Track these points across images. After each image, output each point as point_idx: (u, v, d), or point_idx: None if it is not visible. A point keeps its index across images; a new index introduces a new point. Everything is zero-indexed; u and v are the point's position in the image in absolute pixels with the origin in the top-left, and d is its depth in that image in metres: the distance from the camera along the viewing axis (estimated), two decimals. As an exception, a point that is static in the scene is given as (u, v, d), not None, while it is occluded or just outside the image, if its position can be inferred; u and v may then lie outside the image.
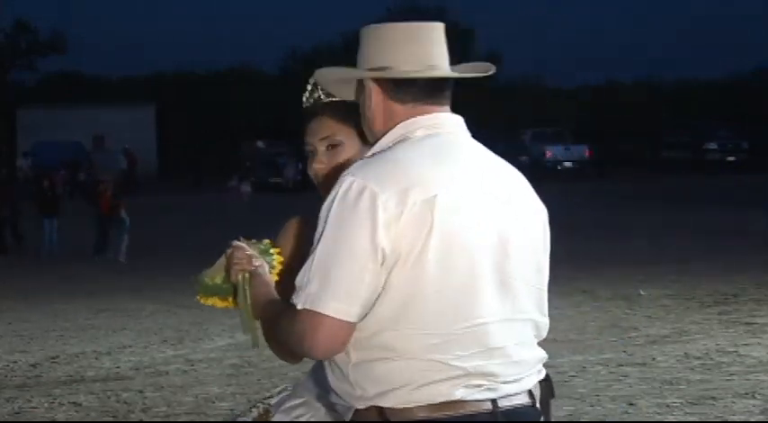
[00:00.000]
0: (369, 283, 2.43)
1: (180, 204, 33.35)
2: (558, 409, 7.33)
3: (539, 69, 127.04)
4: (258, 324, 2.87)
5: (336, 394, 2.59)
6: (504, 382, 2.52)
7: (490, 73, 2.71)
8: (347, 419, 2.59)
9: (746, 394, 7.55)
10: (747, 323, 10.42)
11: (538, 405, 2.65)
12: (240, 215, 28.54)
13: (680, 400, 7.44)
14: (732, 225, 21.23)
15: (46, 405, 8.06)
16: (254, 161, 42.22)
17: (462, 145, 2.62)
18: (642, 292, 12.51)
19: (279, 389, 3.28)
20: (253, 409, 3.24)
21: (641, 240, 19.01)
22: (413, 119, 2.59)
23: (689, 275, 14.08)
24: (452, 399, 2.46)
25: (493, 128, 46.61)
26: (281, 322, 2.58)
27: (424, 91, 2.61)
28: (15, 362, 9.90)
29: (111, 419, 7.61)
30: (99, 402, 8.08)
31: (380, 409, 2.49)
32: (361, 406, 2.53)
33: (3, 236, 21.66)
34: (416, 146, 2.55)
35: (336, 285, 2.43)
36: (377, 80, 2.61)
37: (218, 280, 2.99)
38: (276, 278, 2.95)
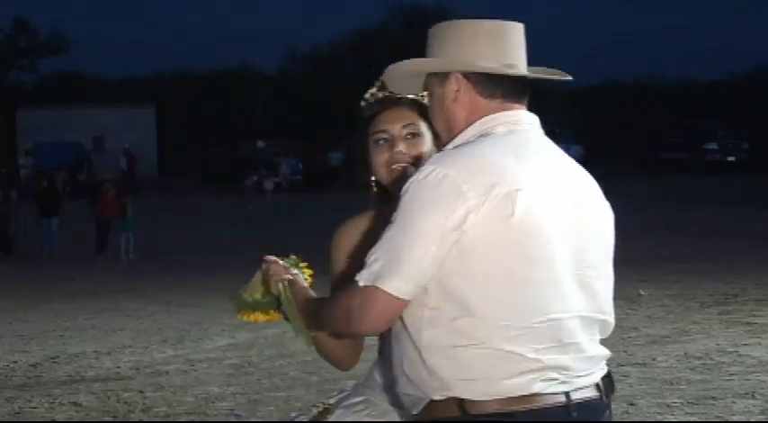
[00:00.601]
0: (431, 267, 2.46)
1: (180, 204, 33.34)
2: (559, 409, 7.33)
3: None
4: (306, 328, 2.94)
5: (408, 381, 2.58)
6: (577, 376, 2.56)
7: (567, 79, 2.77)
8: (415, 412, 2.60)
9: (747, 394, 7.55)
10: (748, 323, 10.43)
11: (605, 398, 2.67)
12: (243, 215, 28.56)
13: (680, 400, 7.44)
14: (732, 225, 21.23)
15: (46, 405, 8.06)
16: (253, 161, 42.20)
17: (540, 144, 2.66)
18: (642, 292, 12.51)
19: (338, 388, 3.28)
20: (312, 408, 3.23)
21: (641, 240, 19.01)
22: (494, 115, 2.64)
23: (689, 275, 14.08)
24: (530, 392, 2.49)
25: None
26: (327, 307, 2.63)
27: (512, 89, 2.66)
28: (15, 362, 9.90)
29: (111, 419, 7.61)
30: (99, 402, 8.08)
31: (460, 402, 2.50)
32: (437, 397, 2.52)
33: (6, 236, 21.65)
34: (498, 141, 2.59)
35: (401, 265, 2.46)
36: (466, 74, 2.64)
37: (258, 295, 3.04)
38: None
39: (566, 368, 2.53)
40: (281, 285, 2.96)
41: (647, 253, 17.07)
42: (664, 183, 35.98)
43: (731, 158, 43.45)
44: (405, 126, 3.00)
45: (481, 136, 2.61)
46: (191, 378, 8.87)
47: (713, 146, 43.73)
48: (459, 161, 2.51)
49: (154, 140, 54.36)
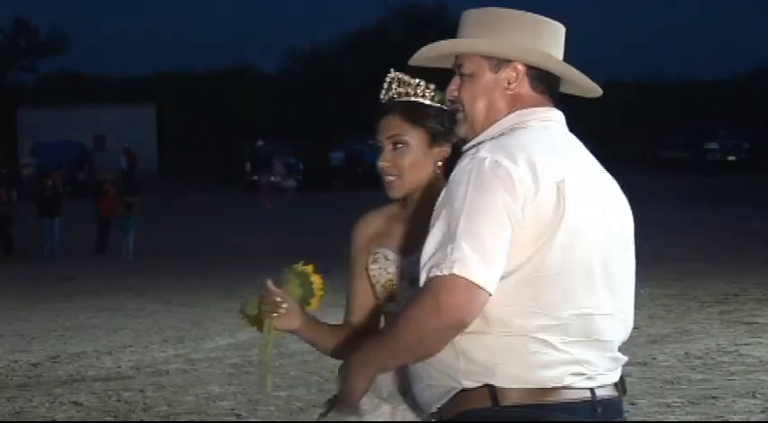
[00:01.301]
0: (506, 252, 2.44)
1: (180, 204, 33.34)
2: (559, 409, 7.33)
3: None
4: (270, 367, 2.99)
5: (434, 369, 2.53)
6: (601, 374, 2.57)
7: (596, 94, 2.78)
8: (438, 405, 2.55)
9: (747, 394, 7.56)
10: (748, 323, 10.43)
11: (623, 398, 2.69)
12: (247, 213, 28.55)
13: (681, 400, 7.44)
14: (733, 225, 21.24)
15: (47, 405, 8.06)
16: (254, 160, 42.16)
17: (569, 140, 2.67)
18: (643, 292, 12.51)
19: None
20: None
21: (641, 240, 18.99)
22: (531, 108, 2.63)
23: (690, 275, 14.08)
24: (562, 384, 2.49)
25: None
26: (402, 320, 2.48)
27: (554, 86, 2.68)
28: (16, 361, 9.91)
29: (111, 419, 7.62)
30: (100, 402, 8.08)
31: (493, 391, 2.47)
32: (470, 384, 2.49)
33: (7, 236, 21.65)
34: (536, 134, 2.58)
35: (483, 254, 2.41)
36: (529, 66, 2.63)
37: (257, 311, 3.05)
38: (316, 306, 3.05)
39: (592, 364, 2.54)
40: (266, 324, 2.98)
41: (647, 252, 17.04)
42: (665, 182, 35.97)
43: (732, 158, 43.44)
44: (390, 137, 3.04)
45: (516, 129, 2.60)
46: (191, 377, 8.87)
47: (714, 145, 43.71)
48: (507, 148, 2.50)
49: (155, 140, 54.35)
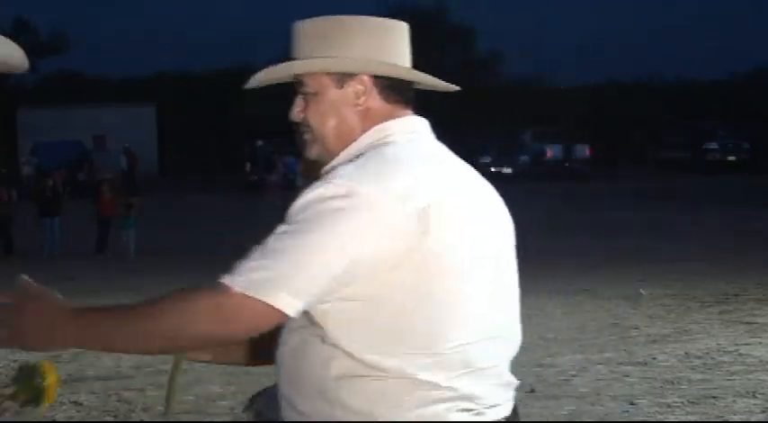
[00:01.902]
0: (328, 285, 2.23)
1: (180, 204, 33.34)
2: (559, 409, 7.33)
3: (539, 69, 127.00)
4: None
5: (298, 414, 2.35)
6: (491, 407, 2.40)
7: (453, 89, 2.58)
8: None
9: (747, 394, 7.56)
10: (748, 323, 10.43)
11: None
12: (247, 213, 28.54)
13: (681, 400, 7.44)
14: (732, 225, 21.23)
15: (47, 404, 8.04)
16: (253, 160, 42.19)
17: (441, 151, 2.45)
18: (643, 292, 12.51)
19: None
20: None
21: (642, 240, 19.01)
22: (390, 122, 2.42)
23: (689, 275, 14.08)
24: (447, 420, 2.31)
25: (493, 127, 46.64)
26: (177, 301, 2.31)
27: (407, 92, 2.47)
28: (16, 361, 9.90)
29: (112, 419, 7.61)
30: (100, 401, 8.08)
31: None
32: None
33: (8, 236, 21.66)
34: (402, 151, 2.36)
35: (294, 281, 2.21)
36: (376, 76, 2.41)
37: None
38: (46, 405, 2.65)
39: (481, 397, 2.36)
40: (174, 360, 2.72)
41: (647, 252, 17.06)
42: (664, 182, 35.97)
43: (731, 158, 43.51)
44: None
45: (379, 145, 2.37)
46: (191, 377, 8.87)
47: (714, 146, 43.79)
48: (366, 174, 2.27)
49: (155, 140, 54.40)
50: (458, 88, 2.57)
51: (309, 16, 2.55)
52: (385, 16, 2.61)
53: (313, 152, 2.49)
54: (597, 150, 45.24)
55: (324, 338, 2.30)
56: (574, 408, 7.33)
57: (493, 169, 41.82)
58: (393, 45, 2.47)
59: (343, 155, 2.40)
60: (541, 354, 9.07)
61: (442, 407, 2.30)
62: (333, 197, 2.24)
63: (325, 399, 2.31)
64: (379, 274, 2.24)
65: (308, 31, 2.48)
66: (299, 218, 2.26)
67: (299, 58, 2.50)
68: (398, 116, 2.44)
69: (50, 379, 2.72)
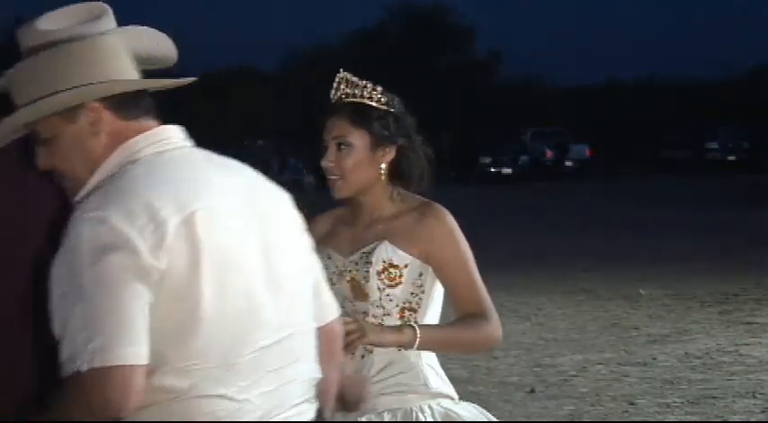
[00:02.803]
0: (146, 318, 2.12)
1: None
2: (559, 409, 7.33)
3: (539, 69, 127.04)
4: None
5: None
6: (291, 407, 2.30)
7: (185, 82, 2.52)
8: None
9: (747, 394, 7.56)
10: (748, 323, 10.42)
11: None
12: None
13: (680, 400, 7.44)
14: (732, 225, 21.22)
15: (47, 405, 8.04)
16: (254, 160, 42.19)
17: (199, 157, 2.33)
18: (643, 292, 12.50)
19: None
20: None
21: (642, 239, 19.00)
22: (135, 138, 2.28)
23: (689, 275, 14.07)
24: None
25: (492, 127, 46.64)
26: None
27: (146, 102, 2.34)
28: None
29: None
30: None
31: None
32: None
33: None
34: (151, 168, 2.24)
35: (121, 331, 2.09)
36: (104, 99, 2.26)
37: None
38: None
39: (280, 403, 2.28)
40: None
41: (647, 252, 17.06)
42: (664, 182, 35.97)
43: (732, 158, 43.52)
44: (335, 137, 3.12)
45: (128, 164, 2.24)
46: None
47: (714, 145, 43.80)
48: (121, 200, 2.14)
49: (154, 140, 54.39)
50: (190, 80, 2.49)
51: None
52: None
53: (70, 190, 2.31)
54: (597, 150, 45.22)
55: None
56: (573, 408, 7.33)
57: (493, 169, 41.84)
58: (107, 59, 2.29)
59: (92, 181, 2.26)
60: (541, 354, 9.07)
61: (237, 417, 2.21)
62: (86, 235, 2.12)
63: None
64: (156, 295, 2.13)
65: (19, 77, 2.31)
66: (77, 268, 2.11)
67: (20, 107, 2.29)
68: (144, 130, 2.30)
69: None
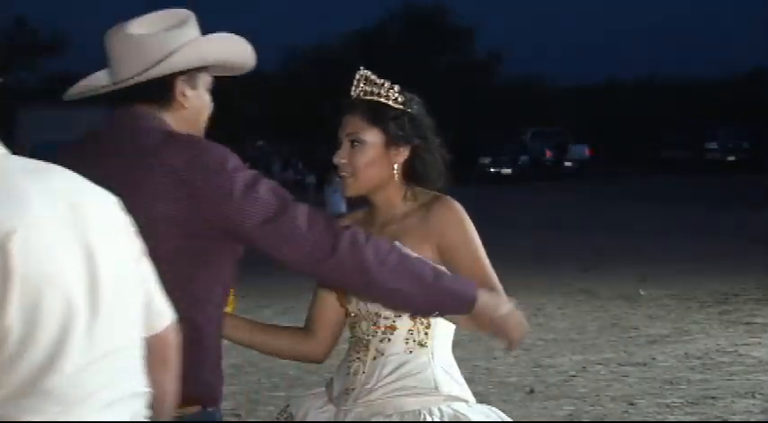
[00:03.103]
0: None
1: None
2: (558, 409, 7.33)
3: (539, 69, 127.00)
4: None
5: None
6: None
7: None
8: None
9: (747, 394, 7.56)
10: (748, 323, 10.43)
11: None
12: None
13: (680, 400, 7.44)
14: (732, 225, 21.23)
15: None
16: (254, 160, 42.20)
17: (12, 164, 2.11)
18: (642, 292, 12.51)
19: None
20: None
21: (641, 240, 19.02)
22: None
23: (689, 275, 14.07)
24: None
25: (492, 127, 46.64)
26: None
27: None
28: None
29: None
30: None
31: None
32: None
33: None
34: None
35: None
36: None
37: None
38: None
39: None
40: None
41: (647, 252, 17.06)
42: (664, 182, 35.98)
43: (731, 158, 43.53)
44: (348, 134, 3.12)
45: None
46: (191, 378, 8.87)
47: (713, 145, 43.82)
48: None
49: (154, 140, 54.37)
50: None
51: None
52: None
53: None
54: (597, 150, 45.24)
55: None
56: (573, 408, 7.33)
57: (492, 169, 41.85)
58: None
59: None
60: (541, 354, 9.07)
61: None
62: None
63: None
64: None
65: None
66: None
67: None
68: None
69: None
